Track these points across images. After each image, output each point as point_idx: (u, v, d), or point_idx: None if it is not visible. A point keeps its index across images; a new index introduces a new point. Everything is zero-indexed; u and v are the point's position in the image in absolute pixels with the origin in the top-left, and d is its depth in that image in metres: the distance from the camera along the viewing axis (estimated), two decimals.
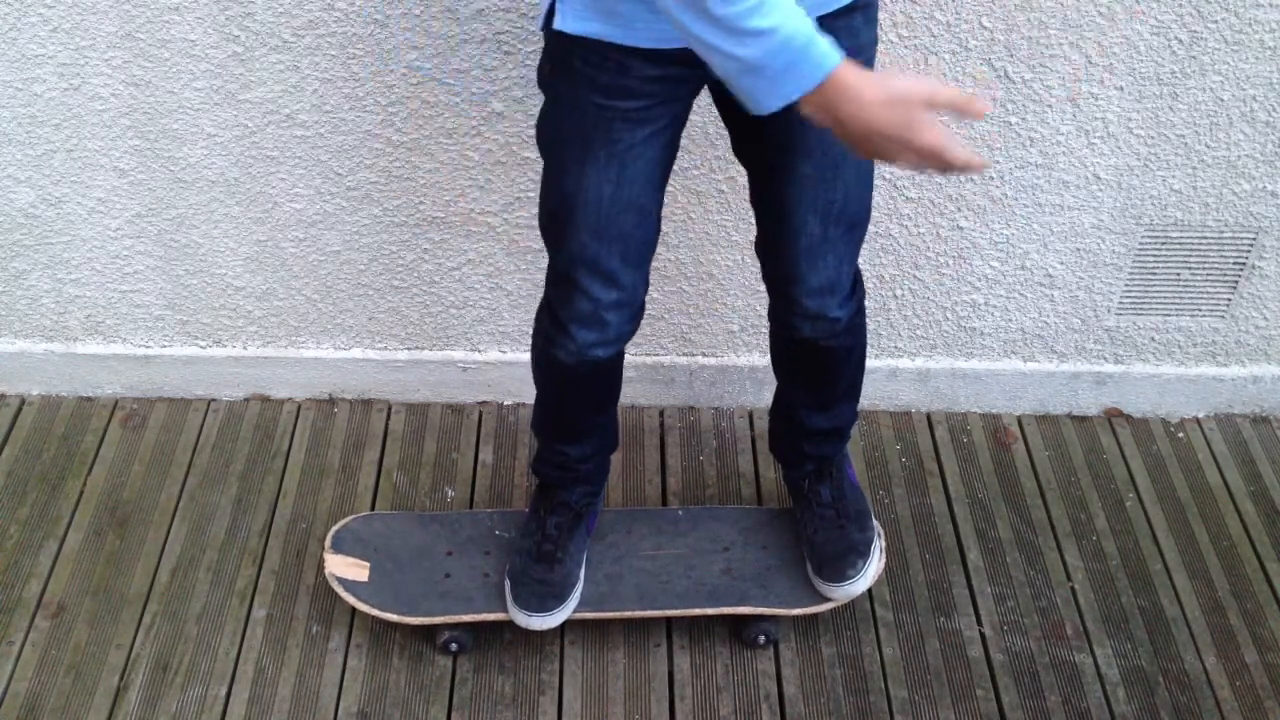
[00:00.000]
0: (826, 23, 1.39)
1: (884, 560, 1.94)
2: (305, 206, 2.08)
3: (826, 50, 1.16)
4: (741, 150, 1.61)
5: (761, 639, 1.93)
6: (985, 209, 2.09)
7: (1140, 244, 2.14)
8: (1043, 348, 2.29)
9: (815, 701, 1.89)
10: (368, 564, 1.90)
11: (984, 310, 2.23)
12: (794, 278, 1.62)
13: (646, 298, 1.67)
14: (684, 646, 1.95)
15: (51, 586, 2.00)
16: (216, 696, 1.86)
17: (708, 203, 2.06)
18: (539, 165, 2.01)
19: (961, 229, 2.11)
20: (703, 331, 2.26)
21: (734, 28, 1.13)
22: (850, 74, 1.17)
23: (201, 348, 2.28)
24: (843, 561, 1.87)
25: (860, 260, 1.73)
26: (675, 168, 1.89)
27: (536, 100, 1.94)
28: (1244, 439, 2.34)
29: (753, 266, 2.15)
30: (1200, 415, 2.39)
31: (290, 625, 1.96)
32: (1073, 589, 2.06)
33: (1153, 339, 2.28)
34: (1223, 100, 1.96)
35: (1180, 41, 1.89)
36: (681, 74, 1.42)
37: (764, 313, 2.22)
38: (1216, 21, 1.87)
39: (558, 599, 1.83)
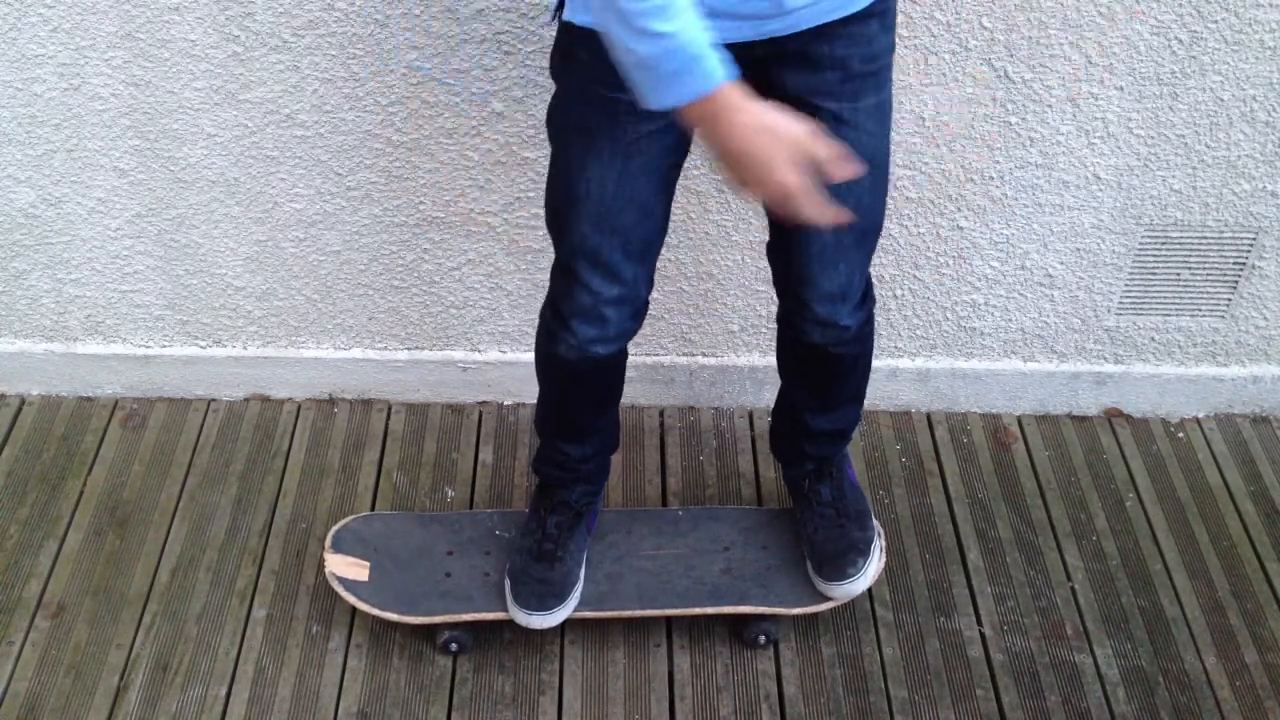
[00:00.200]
0: (840, 29, 1.39)
1: (884, 560, 1.94)
2: (305, 206, 2.08)
3: (715, 68, 1.21)
4: None
5: (762, 639, 1.93)
6: (985, 209, 2.09)
7: (1140, 244, 2.14)
8: (1043, 348, 2.29)
9: (815, 701, 1.89)
10: (368, 564, 1.90)
11: (984, 310, 2.23)
12: (805, 284, 1.62)
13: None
14: (684, 646, 1.95)
15: (51, 586, 2.00)
16: (216, 696, 1.86)
17: (708, 203, 2.06)
18: (539, 165, 2.01)
19: (961, 229, 2.11)
20: (703, 331, 2.26)
21: (635, 25, 1.18)
22: (733, 95, 1.23)
23: (201, 348, 2.28)
24: (843, 560, 1.87)
25: None
26: None
27: (537, 100, 1.94)
28: (1244, 439, 2.34)
29: (753, 266, 2.15)
30: (1200, 415, 2.39)
31: (290, 625, 1.96)
32: (1073, 589, 2.06)
33: (1153, 339, 2.28)
34: (1223, 100, 1.96)
35: (1180, 41, 1.89)
36: None
37: (764, 313, 2.22)
38: (1216, 21, 1.87)
39: (558, 598, 1.83)
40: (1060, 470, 2.26)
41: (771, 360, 2.28)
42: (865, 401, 1.91)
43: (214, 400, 2.33)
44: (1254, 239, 2.14)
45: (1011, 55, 1.90)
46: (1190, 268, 2.18)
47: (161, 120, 1.97)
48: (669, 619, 1.98)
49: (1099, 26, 1.87)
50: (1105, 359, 2.31)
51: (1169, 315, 2.25)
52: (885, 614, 2.01)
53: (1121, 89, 1.95)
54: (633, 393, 2.31)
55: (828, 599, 1.90)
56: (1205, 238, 2.14)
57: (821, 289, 1.61)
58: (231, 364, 2.28)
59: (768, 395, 2.32)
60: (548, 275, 1.93)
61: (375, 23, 1.86)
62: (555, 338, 1.65)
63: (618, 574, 1.92)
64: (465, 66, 1.90)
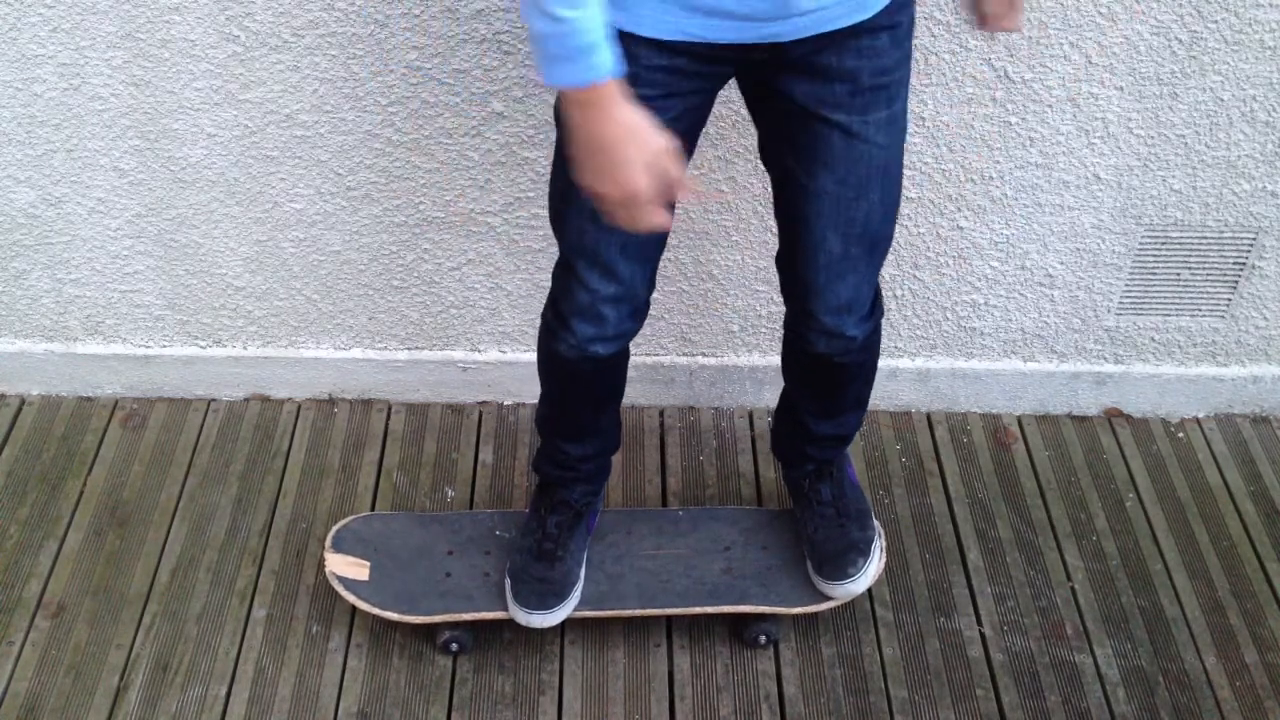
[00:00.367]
0: (849, 41, 1.39)
1: (884, 559, 1.94)
2: (305, 206, 2.08)
3: (603, 61, 1.25)
4: (768, 154, 1.60)
5: (762, 639, 1.93)
6: (985, 209, 2.09)
7: (1140, 244, 2.14)
8: (1043, 348, 2.29)
9: (815, 701, 1.89)
10: (368, 563, 1.90)
11: (984, 310, 2.23)
12: (812, 293, 1.61)
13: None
14: (684, 646, 1.95)
15: (51, 586, 2.00)
16: (216, 696, 1.86)
17: (708, 203, 2.06)
18: (539, 165, 2.01)
19: (961, 229, 2.11)
20: (703, 331, 2.26)
21: (538, 3, 1.22)
22: (611, 94, 1.26)
23: (201, 348, 2.28)
24: (843, 560, 1.87)
25: None
26: None
27: (537, 100, 1.94)
28: (1244, 439, 2.34)
29: (753, 266, 2.15)
30: (1200, 415, 2.39)
31: (290, 625, 1.96)
32: (1073, 589, 2.06)
33: (1153, 339, 2.28)
34: (1223, 100, 1.96)
35: (1180, 41, 1.89)
36: (689, 67, 1.41)
37: (764, 313, 2.22)
38: (1216, 21, 1.87)
39: (558, 597, 1.83)
40: (1060, 470, 2.26)
41: (772, 360, 2.28)
42: None
43: (214, 400, 2.33)
44: (1254, 239, 2.14)
45: (1011, 55, 1.90)
46: (1190, 268, 2.18)
47: (162, 120, 1.97)
48: (669, 619, 1.98)
49: (1099, 26, 1.87)
50: (1105, 359, 2.31)
51: (1169, 315, 2.25)
52: (885, 614, 2.01)
53: (1121, 89, 1.95)
54: (633, 393, 2.31)
55: (828, 599, 1.90)
56: (1205, 238, 2.14)
57: (829, 300, 1.61)
58: (231, 364, 2.28)
59: (768, 395, 2.33)
60: (548, 275, 1.93)
61: (375, 23, 1.86)
62: (555, 336, 1.65)
63: (618, 574, 1.92)
64: (465, 66, 1.90)
